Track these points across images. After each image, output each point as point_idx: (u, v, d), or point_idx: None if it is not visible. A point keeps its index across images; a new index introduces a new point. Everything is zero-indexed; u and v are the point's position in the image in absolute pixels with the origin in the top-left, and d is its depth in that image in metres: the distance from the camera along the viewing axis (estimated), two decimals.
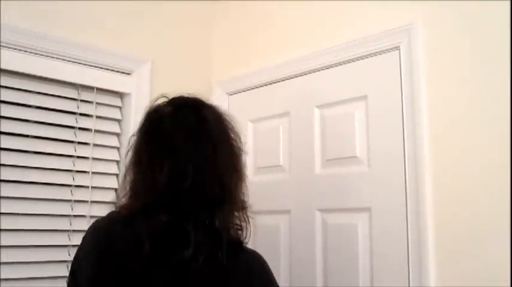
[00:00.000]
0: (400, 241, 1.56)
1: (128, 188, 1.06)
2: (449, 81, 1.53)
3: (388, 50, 1.67)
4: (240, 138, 1.11)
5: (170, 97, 1.12)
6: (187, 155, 1.01)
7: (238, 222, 1.05)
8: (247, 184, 1.10)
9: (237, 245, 1.02)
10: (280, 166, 1.96)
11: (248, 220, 1.06)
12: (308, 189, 1.84)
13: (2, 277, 1.65)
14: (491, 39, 1.46)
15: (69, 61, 1.86)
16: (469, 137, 1.47)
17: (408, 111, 1.60)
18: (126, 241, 1.00)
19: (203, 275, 0.96)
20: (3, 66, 1.71)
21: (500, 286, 1.36)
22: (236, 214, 1.05)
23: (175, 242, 0.97)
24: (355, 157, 1.72)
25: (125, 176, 1.07)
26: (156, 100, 1.12)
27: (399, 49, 1.64)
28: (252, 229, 1.95)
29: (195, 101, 1.12)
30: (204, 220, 0.99)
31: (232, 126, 1.11)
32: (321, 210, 1.80)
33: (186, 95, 1.13)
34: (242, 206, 1.07)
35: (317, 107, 1.85)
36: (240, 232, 1.04)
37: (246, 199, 1.09)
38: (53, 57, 1.82)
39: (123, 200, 1.06)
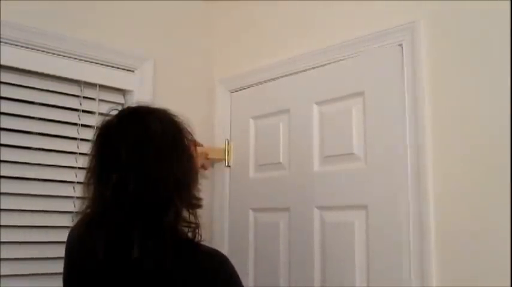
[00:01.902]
0: (397, 238, 1.54)
1: (86, 198, 1.12)
2: (451, 80, 1.53)
3: (390, 48, 1.66)
4: (191, 140, 1.16)
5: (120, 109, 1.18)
6: (129, 165, 1.06)
7: (192, 220, 1.09)
8: (199, 182, 1.15)
9: (189, 245, 1.06)
10: (280, 163, 1.95)
11: (197, 218, 1.10)
12: (306, 186, 1.83)
13: (2, 273, 1.66)
14: (492, 38, 1.45)
15: (72, 58, 1.87)
16: (472, 136, 1.47)
17: (410, 109, 1.59)
18: (86, 248, 1.09)
19: (151, 277, 1.01)
20: (6, 63, 1.72)
21: (500, 285, 1.35)
22: (188, 214, 1.09)
23: (124, 247, 1.02)
24: (352, 153, 1.71)
25: (83, 187, 1.13)
26: (109, 113, 1.18)
27: (402, 46, 1.63)
28: (253, 226, 1.98)
29: (139, 109, 1.17)
30: (151, 223, 1.04)
31: (181, 129, 1.15)
32: (319, 207, 1.78)
33: (134, 104, 1.19)
34: (193, 205, 1.11)
35: (316, 103, 1.84)
36: (196, 230, 1.08)
37: (198, 197, 1.13)
38: (56, 54, 1.83)
39: (85, 209, 1.13)
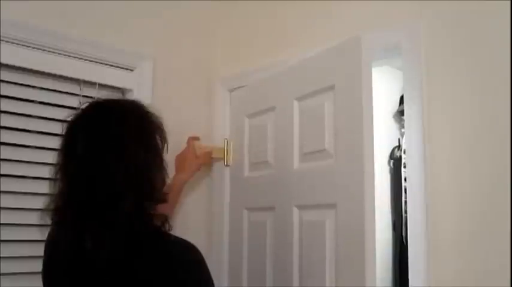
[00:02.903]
0: (362, 239, 1.44)
1: (53, 192, 1.14)
2: (448, 81, 1.53)
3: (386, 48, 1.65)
4: (158, 134, 1.15)
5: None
6: (84, 156, 1.07)
7: (156, 213, 1.10)
8: (163, 175, 1.15)
9: (153, 236, 1.07)
10: (267, 161, 1.90)
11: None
12: (287, 185, 1.76)
13: (2, 272, 1.68)
14: (491, 39, 1.45)
15: (71, 57, 1.89)
16: (470, 136, 1.46)
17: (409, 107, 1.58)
18: (53, 244, 1.17)
19: (107, 268, 1.04)
20: (6, 61, 1.74)
21: (500, 286, 1.35)
22: (151, 206, 1.09)
23: (81, 239, 1.04)
24: (324, 150, 1.62)
25: (52, 182, 1.15)
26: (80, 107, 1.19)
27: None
28: (247, 226, 1.97)
29: (104, 103, 1.17)
30: (106, 214, 1.04)
31: (148, 122, 1.15)
32: (298, 206, 1.71)
33: (103, 98, 1.19)
34: (156, 199, 1.11)
35: (296, 99, 1.76)
36: (165, 222, 1.09)
37: (161, 191, 1.13)
38: (55, 53, 1.85)
39: (50, 204, 1.15)
